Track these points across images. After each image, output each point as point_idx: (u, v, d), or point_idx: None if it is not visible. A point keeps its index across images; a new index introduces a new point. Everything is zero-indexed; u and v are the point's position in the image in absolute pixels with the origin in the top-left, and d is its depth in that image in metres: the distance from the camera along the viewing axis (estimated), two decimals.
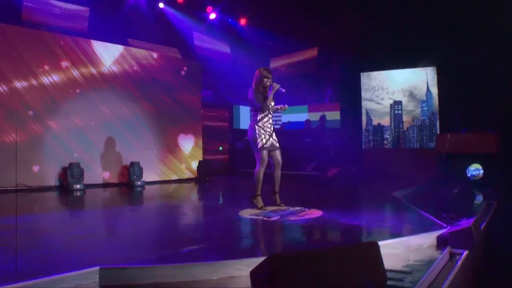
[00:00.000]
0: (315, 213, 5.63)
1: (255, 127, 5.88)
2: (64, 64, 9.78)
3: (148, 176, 10.52)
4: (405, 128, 11.81)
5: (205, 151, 12.85)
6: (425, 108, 11.51)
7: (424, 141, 11.51)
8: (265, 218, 5.30)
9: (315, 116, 13.05)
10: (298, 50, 13.96)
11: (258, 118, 5.91)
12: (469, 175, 9.36)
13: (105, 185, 9.94)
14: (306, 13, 12.67)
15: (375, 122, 12.20)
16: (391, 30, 11.10)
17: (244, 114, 14.17)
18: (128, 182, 10.02)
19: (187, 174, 11.67)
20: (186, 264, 3.23)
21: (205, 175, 11.25)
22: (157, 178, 10.93)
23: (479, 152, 9.30)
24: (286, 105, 6.12)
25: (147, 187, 9.90)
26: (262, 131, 5.85)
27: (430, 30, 10.54)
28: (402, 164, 11.11)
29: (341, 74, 12.80)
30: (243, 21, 14.23)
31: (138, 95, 10.92)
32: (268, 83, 5.97)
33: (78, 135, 9.77)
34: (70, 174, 9.07)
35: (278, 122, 13.82)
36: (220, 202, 8.06)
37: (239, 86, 13.81)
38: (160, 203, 7.91)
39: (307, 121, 12.90)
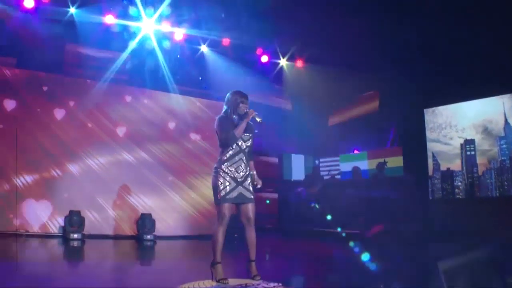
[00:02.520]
0: None
1: (218, 171, 4.44)
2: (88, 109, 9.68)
3: (168, 230, 9.46)
4: (480, 172, 9.44)
5: None
6: (504, 145, 9.11)
7: (505, 187, 9.04)
8: None
9: (374, 164, 11.11)
10: (359, 92, 12.28)
11: (223, 158, 4.45)
12: None
13: (110, 237, 9.08)
14: (364, 50, 11.12)
15: (443, 167, 9.99)
16: (455, 55, 9.18)
17: (296, 163, 12.62)
18: (136, 235, 9.01)
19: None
20: None
21: (233, 232, 9.78)
22: (177, 233, 9.77)
23: None
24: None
25: (157, 242, 8.87)
26: (228, 178, 4.39)
27: (502, 49, 8.44)
28: (477, 217, 8.76)
29: (403, 113, 10.83)
30: (299, 63, 12.98)
31: (162, 139, 10.41)
32: (245, 110, 4.51)
33: (90, 181, 9.28)
34: (68, 222, 8.36)
35: (332, 172, 11.98)
36: (190, 266, 6.40)
37: (292, 132, 12.52)
38: (123, 261, 6.93)
39: (355, 169, 10.96)
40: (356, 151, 12.02)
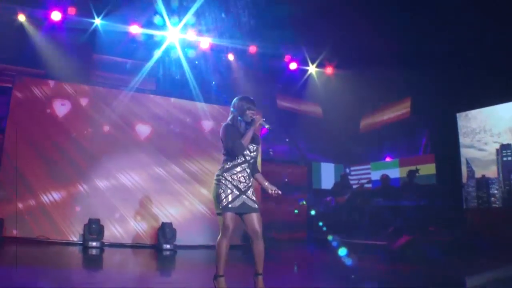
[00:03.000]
0: None
1: (219, 179, 4.20)
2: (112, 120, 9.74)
3: (189, 239, 9.30)
4: None
5: (275, 213, 11.18)
6: None
7: None
8: None
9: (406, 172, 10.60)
10: (390, 97, 11.82)
11: (226, 166, 4.22)
12: None
13: (130, 246, 9.00)
14: (395, 55, 10.71)
15: (478, 174, 9.42)
16: (487, 56, 8.66)
17: (326, 172, 12.28)
18: (156, 245, 8.93)
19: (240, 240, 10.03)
20: None
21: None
22: (200, 243, 9.52)
23: None
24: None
25: (178, 251, 8.66)
26: (230, 185, 4.15)
27: None
28: None
29: (435, 119, 10.34)
30: (329, 70, 12.65)
31: (187, 147, 10.30)
32: (252, 117, 4.27)
33: (112, 190, 9.28)
34: (87, 230, 8.30)
35: (362, 181, 11.53)
36: (195, 277, 6.16)
37: (322, 139, 12.21)
38: (129, 270, 6.77)
39: (384, 177, 10.46)
40: (388, 159, 11.58)
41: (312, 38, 11.72)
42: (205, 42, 11.02)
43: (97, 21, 9.81)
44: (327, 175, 12.21)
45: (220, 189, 4.15)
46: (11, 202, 8.29)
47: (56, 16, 9.42)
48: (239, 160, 4.23)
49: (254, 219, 4.17)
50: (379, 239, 8.98)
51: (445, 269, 6.79)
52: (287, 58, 12.24)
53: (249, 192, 4.21)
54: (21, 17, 9.33)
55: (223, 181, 4.17)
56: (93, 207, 8.85)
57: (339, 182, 11.17)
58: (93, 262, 7.27)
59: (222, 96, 11.28)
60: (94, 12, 9.77)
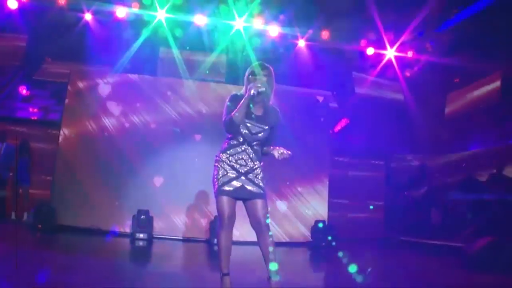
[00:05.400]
0: None
1: (216, 159, 3.72)
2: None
3: (246, 234, 8.82)
4: None
5: (348, 209, 10.50)
6: None
7: None
8: None
9: None
10: (477, 78, 10.49)
11: (224, 145, 3.72)
12: None
13: (179, 239, 8.78)
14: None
15: None
16: None
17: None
18: (209, 239, 8.63)
19: (304, 236, 9.36)
20: None
21: (321, 239, 8.78)
22: (254, 238, 8.96)
23: None
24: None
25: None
26: (226, 166, 3.62)
27: None
28: None
29: None
30: (410, 54, 11.51)
31: None
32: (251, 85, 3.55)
33: (171, 181, 9.04)
34: (135, 221, 8.20)
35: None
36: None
37: (402, 131, 11.19)
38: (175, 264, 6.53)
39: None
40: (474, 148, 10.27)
41: (391, 20, 10.81)
42: (274, 30, 10.58)
43: (162, 14, 9.78)
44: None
45: (215, 170, 3.67)
46: (63, 192, 8.59)
47: (121, 12, 9.58)
48: (236, 141, 3.67)
49: (257, 206, 3.64)
50: (455, 240, 7.85)
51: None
52: (363, 42, 11.39)
53: (250, 175, 3.64)
54: (88, 16, 9.62)
55: (220, 163, 3.67)
56: (144, 199, 8.75)
57: (415, 175, 10.10)
58: (137, 254, 7.25)
59: (291, 84, 10.73)
60: (158, 4, 9.76)
